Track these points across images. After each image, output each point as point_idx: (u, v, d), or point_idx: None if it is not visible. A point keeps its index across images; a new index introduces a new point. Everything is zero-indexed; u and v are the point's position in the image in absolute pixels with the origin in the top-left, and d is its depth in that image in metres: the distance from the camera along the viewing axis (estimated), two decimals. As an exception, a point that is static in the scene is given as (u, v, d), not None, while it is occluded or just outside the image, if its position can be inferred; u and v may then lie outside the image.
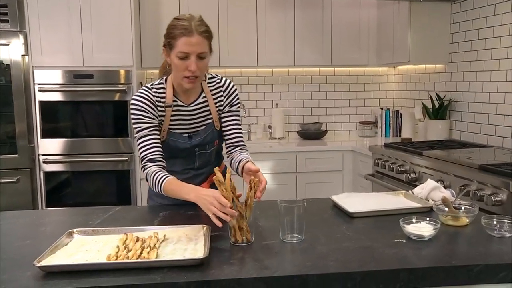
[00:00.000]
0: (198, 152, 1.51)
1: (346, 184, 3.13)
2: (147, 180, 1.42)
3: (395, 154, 2.56)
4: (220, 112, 1.53)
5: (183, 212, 1.40)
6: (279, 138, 3.53)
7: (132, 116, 1.44)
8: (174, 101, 1.48)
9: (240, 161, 1.45)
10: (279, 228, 1.15)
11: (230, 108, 1.53)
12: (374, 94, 3.71)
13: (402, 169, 2.43)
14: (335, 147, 3.18)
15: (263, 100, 3.62)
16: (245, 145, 1.55)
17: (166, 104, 1.46)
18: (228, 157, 1.57)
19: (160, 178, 1.36)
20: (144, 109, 1.43)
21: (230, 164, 1.54)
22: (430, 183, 1.42)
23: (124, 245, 1.04)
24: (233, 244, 1.11)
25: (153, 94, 1.46)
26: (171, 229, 1.16)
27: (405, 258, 1.01)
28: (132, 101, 1.44)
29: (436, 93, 2.98)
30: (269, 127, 3.55)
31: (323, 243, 1.12)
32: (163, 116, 1.47)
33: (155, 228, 1.18)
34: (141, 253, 1.00)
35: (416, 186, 1.61)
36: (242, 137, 1.54)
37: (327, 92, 3.67)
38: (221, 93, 1.52)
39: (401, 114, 3.46)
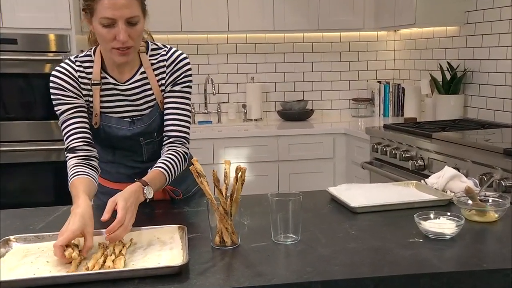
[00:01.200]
0: (145, 141, 1.48)
1: (338, 175, 3.18)
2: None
3: (398, 137, 2.59)
4: (163, 93, 1.47)
5: (149, 211, 1.38)
6: (255, 120, 3.52)
7: (51, 97, 1.40)
8: (104, 77, 1.43)
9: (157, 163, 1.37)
10: (270, 227, 1.15)
11: (172, 87, 1.45)
12: (371, 65, 3.76)
13: (407, 156, 2.47)
14: (324, 129, 3.20)
15: (235, 74, 3.59)
16: (183, 138, 1.45)
17: (92, 82, 1.41)
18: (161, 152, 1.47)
19: (70, 176, 1.31)
20: (63, 88, 1.39)
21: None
22: (448, 171, 1.44)
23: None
24: (216, 248, 1.11)
25: (77, 68, 1.41)
26: (139, 232, 1.14)
27: (425, 261, 1.02)
28: (51, 78, 1.40)
29: (448, 62, 3.03)
30: (244, 106, 3.54)
31: (324, 245, 1.12)
32: (90, 96, 1.42)
33: None
34: (104, 262, 0.97)
35: (424, 175, 1.65)
36: (181, 125, 1.44)
37: (313, 63, 3.68)
38: (164, 69, 1.45)
39: (403, 88, 3.53)
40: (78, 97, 1.40)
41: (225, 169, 1.14)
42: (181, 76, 1.46)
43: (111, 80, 1.43)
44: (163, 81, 1.45)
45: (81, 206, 1.15)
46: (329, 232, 1.21)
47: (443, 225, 1.14)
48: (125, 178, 1.49)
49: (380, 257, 1.05)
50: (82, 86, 1.41)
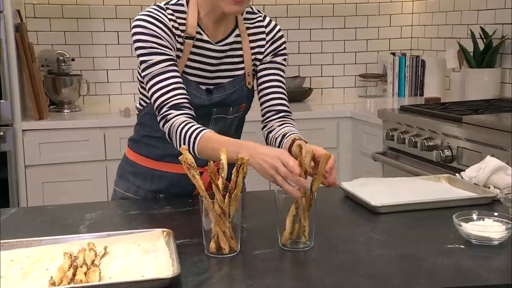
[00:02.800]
0: (216, 115, 1.52)
1: (343, 167, 3.18)
2: (169, 138, 1.41)
3: (418, 122, 2.61)
4: (258, 64, 1.56)
5: (122, 212, 1.38)
6: (240, 101, 3.52)
7: (139, 45, 1.43)
8: (198, 33, 1.48)
9: (285, 135, 1.48)
10: (277, 231, 1.17)
11: (272, 58, 1.57)
12: (383, 32, 3.77)
13: (430, 144, 2.50)
14: (325, 112, 3.20)
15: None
16: (290, 113, 1.59)
17: (186, 35, 1.46)
18: (263, 128, 1.60)
19: (193, 131, 1.36)
20: (158, 35, 1.43)
21: (266, 140, 1.57)
22: (491, 163, 1.46)
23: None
24: (212, 256, 1.12)
25: (169, 17, 1.46)
26: (115, 238, 1.14)
27: (470, 271, 1.04)
28: (137, 23, 1.44)
29: (481, 28, 3.05)
30: (225, 83, 3.52)
31: (343, 251, 1.14)
32: (180, 51, 1.47)
33: (86, 236, 1.16)
34: (74, 275, 0.97)
35: (453, 168, 1.67)
36: (286, 99, 1.58)
37: (311, 30, 3.68)
38: (263, 36, 1.55)
39: (423, 61, 3.56)
40: (172, 49, 1.45)
41: (221, 160, 1.14)
42: (282, 46, 1.59)
43: (205, 37, 1.49)
44: (261, 50, 1.56)
45: (255, 145, 1.26)
46: (347, 236, 1.23)
47: (489, 228, 1.16)
48: (170, 159, 1.51)
49: (413, 266, 1.07)
50: (177, 38, 1.46)
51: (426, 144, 2.51)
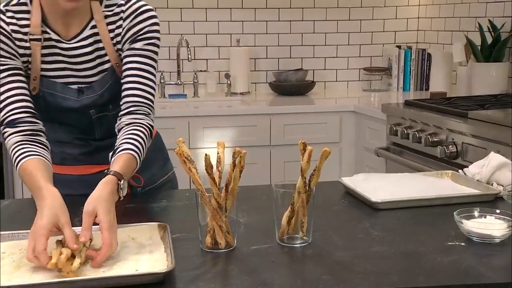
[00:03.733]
0: (97, 115, 1.46)
1: (346, 163, 3.19)
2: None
3: (423, 117, 2.61)
4: (121, 53, 1.45)
5: (119, 205, 1.37)
6: (242, 94, 3.51)
7: None
8: (45, 32, 1.40)
9: (117, 148, 1.33)
10: (275, 226, 1.17)
11: (131, 44, 1.42)
12: (388, 25, 3.76)
13: (435, 140, 2.50)
14: (327, 107, 3.20)
15: (216, 34, 3.56)
16: (144, 106, 1.41)
17: (31, 37, 1.38)
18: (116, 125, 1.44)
19: (16, 158, 1.29)
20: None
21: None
22: (494, 159, 1.46)
23: None
24: (207, 251, 1.12)
25: (8, 20, 1.38)
26: None
27: (471, 270, 1.04)
28: None
29: (489, 20, 3.04)
30: (227, 76, 3.53)
31: (341, 248, 1.14)
32: (27, 55, 1.39)
33: (79, 229, 1.16)
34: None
35: (457, 164, 1.66)
36: (140, 89, 1.40)
37: (314, 21, 3.67)
38: (121, 22, 1.42)
39: (429, 55, 3.55)
40: (14, 57, 1.38)
41: (218, 153, 1.14)
42: (144, 30, 1.42)
43: (54, 36, 1.40)
44: (118, 38, 1.43)
45: (47, 197, 1.14)
46: (346, 232, 1.23)
47: (491, 226, 1.16)
48: (71, 160, 1.49)
49: (413, 263, 1.07)
50: (17, 43, 1.38)
51: (430, 139, 2.51)
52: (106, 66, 1.44)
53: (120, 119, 1.41)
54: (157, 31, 1.46)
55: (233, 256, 1.11)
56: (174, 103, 3.41)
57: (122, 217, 1.33)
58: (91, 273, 1.00)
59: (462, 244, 1.15)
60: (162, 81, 3.46)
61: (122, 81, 1.42)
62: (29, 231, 1.13)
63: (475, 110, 2.47)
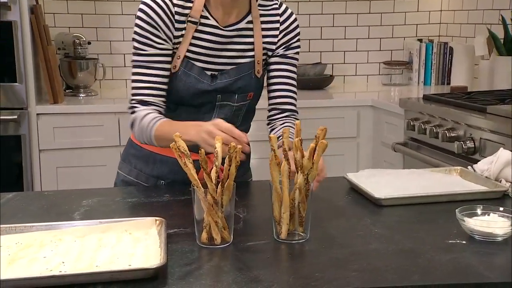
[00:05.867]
0: (221, 101, 1.52)
1: (363, 158, 3.18)
2: (131, 128, 1.48)
3: (441, 112, 2.58)
4: (270, 54, 1.55)
5: (121, 200, 1.39)
6: (259, 87, 3.52)
7: (136, 30, 1.46)
8: (205, 17, 1.48)
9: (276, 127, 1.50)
10: (272, 222, 1.16)
11: (285, 51, 1.56)
12: (410, 18, 3.72)
13: (452, 135, 2.46)
14: (346, 101, 3.18)
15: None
16: (296, 112, 1.60)
17: (190, 19, 1.46)
18: (267, 124, 1.60)
19: (151, 120, 1.42)
20: (156, 26, 1.44)
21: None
22: (503, 155, 1.44)
23: None
24: (203, 246, 1.12)
25: (175, 1, 1.46)
26: (106, 226, 1.15)
27: (469, 268, 1.03)
28: (141, 7, 1.45)
29: (512, 14, 3.00)
30: (244, 69, 3.53)
31: (339, 245, 1.14)
32: (181, 36, 1.47)
33: (78, 223, 1.17)
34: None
35: (475, 160, 1.64)
36: (294, 97, 1.59)
37: (334, 15, 3.65)
38: (277, 25, 1.54)
39: (451, 49, 3.49)
40: (168, 41, 1.47)
41: (215, 148, 1.14)
42: (295, 39, 1.58)
43: (212, 22, 1.48)
44: (273, 39, 1.54)
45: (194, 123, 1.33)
46: (346, 229, 1.23)
47: (493, 224, 1.15)
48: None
49: (409, 262, 1.06)
50: (177, 25, 1.46)
51: (447, 135, 2.48)
52: (247, 60, 1.52)
53: (274, 122, 1.58)
54: (300, 40, 1.61)
55: (228, 252, 1.11)
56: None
57: (123, 211, 1.35)
58: (83, 268, 1.01)
59: (463, 242, 1.14)
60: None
61: (273, 85, 1.57)
62: (28, 224, 1.16)
63: (494, 105, 2.43)
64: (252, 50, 1.52)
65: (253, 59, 1.52)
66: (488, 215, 1.19)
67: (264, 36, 1.53)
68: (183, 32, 1.47)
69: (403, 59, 3.71)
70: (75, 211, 1.32)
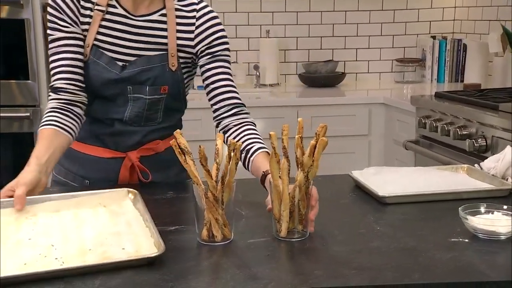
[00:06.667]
0: (133, 94, 1.49)
1: (374, 156, 3.17)
2: None
3: (453, 109, 2.56)
4: (190, 51, 1.52)
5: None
6: (271, 85, 3.52)
7: (47, 17, 1.48)
8: (112, 5, 1.48)
9: (249, 151, 1.41)
10: (271, 219, 1.16)
11: (209, 49, 1.52)
12: (423, 15, 3.69)
13: (464, 133, 2.45)
14: (357, 98, 3.17)
15: (245, 26, 3.57)
16: (242, 105, 1.53)
17: (96, 7, 1.46)
18: (217, 126, 1.55)
19: (42, 122, 1.43)
20: (59, 8, 1.45)
21: (225, 140, 1.47)
22: (509, 153, 1.42)
23: None
24: (203, 243, 1.12)
25: None
26: (80, 199, 1.18)
27: (470, 267, 1.02)
28: None
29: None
30: (256, 68, 3.53)
31: (340, 242, 1.13)
32: (87, 23, 1.47)
33: (53, 196, 1.21)
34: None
35: (486, 158, 1.61)
36: (234, 91, 1.53)
37: (346, 12, 3.63)
38: (193, 20, 1.51)
39: (465, 46, 3.46)
40: (75, 25, 1.46)
41: (216, 145, 1.14)
42: (216, 35, 1.52)
43: (120, 11, 1.48)
44: (189, 35, 1.51)
45: (25, 169, 1.29)
46: (348, 227, 1.22)
47: (496, 222, 1.13)
48: (94, 139, 1.54)
49: (410, 260, 1.05)
50: (82, 11, 1.46)
51: (459, 132, 2.46)
52: (159, 52, 1.49)
53: (222, 120, 1.51)
54: (226, 36, 1.55)
55: (228, 249, 1.11)
56: (202, 94, 3.41)
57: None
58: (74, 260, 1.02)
59: (466, 240, 1.13)
60: (191, 72, 3.48)
61: (212, 84, 1.51)
62: None
63: (506, 103, 2.40)
64: (165, 43, 1.49)
65: (166, 52, 1.49)
66: (492, 213, 1.17)
67: (179, 31, 1.50)
68: (90, 19, 1.46)
69: (416, 56, 3.69)
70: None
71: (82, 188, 1.52)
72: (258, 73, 3.51)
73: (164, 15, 1.49)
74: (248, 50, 3.60)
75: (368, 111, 3.14)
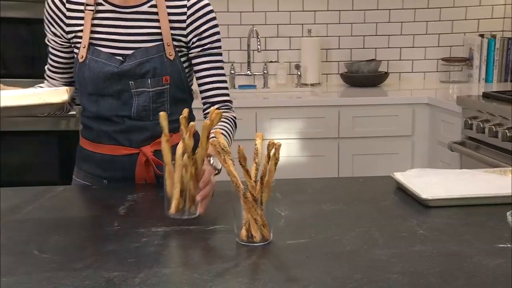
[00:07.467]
0: (136, 89, 1.51)
1: (418, 157, 3.11)
2: None
3: (501, 110, 2.50)
4: (184, 40, 1.53)
5: (157, 197, 1.41)
6: (312, 85, 3.50)
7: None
8: (99, 3, 1.50)
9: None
10: (316, 220, 1.17)
11: (200, 41, 1.53)
12: (471, 12, 3.60)
13: (512, 134, 2.39)
14: (401, 99, 3.13)
15: (287, 24, 3.56)
16: (226, 101, 1.56)
17: (86, 7, 1.50)
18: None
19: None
20: (46, 18, 1.56)
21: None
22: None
23: None
24: (242, 244, 1.12)
25: None
26: (22, 95, 1.37)
27: (518, 274, 0.99)
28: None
29: None
30: (297, 67, 3.52)
31: (381, 246, 1.12)
32: (80, 25, 1.50)
33: None
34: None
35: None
36: (222, 87, 1.56)
37: (390, 10, 3.58)
38: (184, 9, 1.51)
39: (514, 44, 3.37)
40: (58, 35, 1.55)
41: (255, 145, 1.13)
42: (207, 26, 1.53)
43: (108, 7, 1.50)
44: (181, 25, 1.51)
45: None
46: (390, 230, 1.20)
47: (547, 227, 1.09)
48: (106, 138, 1.56)
49: (454, 265, 1.03)
50: (69, 21, 1.51)
51: (508, 134, 2.40)
52: (155, 44, 1.50)
53: (206, 116, 1.52)
54: (218, 26, 1.56)
55: (267, 250, 1.10)
56: (244, 94, 3.44)
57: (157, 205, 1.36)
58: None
59: (514, 246, 1.09)
60: (232, 72, 3.49)
61: (200, 79, 1.55)
62: None
63: (557, 103, 2.33)
64: (159, 33, 1.50)
65: (161, 42, 1.50)
66: (542, 218, 1.13)
67: (171, 21, 1.50)
68: (81, 20, 1.50)
69: (463, 55, 3.60)
70: (120, 205, 1.35)
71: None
72: (299, 73, 3.50)
73: (154, 5, 1.50)
74: (290, 49, 3.58)
75: (412, 111, 3.08)
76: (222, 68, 1.57)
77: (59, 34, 1.54)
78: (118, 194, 1.43)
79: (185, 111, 1.25)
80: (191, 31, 1.52)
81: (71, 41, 1.54)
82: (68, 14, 1.51)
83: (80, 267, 1.02)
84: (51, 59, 1.59)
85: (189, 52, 1.54)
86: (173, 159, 1.23)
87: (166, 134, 1.26)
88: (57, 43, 1.56)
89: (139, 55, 1.49)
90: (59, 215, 1.30)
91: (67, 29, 1.52)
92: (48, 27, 1.55)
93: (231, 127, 1.52)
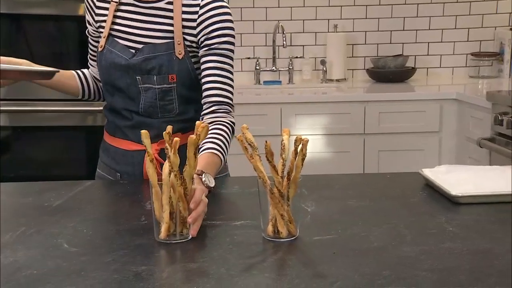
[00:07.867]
0: (143, 84, 1.52)
1: (445, 154, 3.09)
2: None
3: (531, 106, 2.47)
4: (194, 40, 1.52)
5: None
6: (337, 81, 3.49)
7: None
8: None
9: (200, 147, 1.41)
10: (342, 216, 1.16)
11: (207, 40, 1.51)
12: (502, 6, 3.55)
13: (543, 130, 2.36)
14: (429, 94, 3.10)
15: (313, 20, 3.55)
16: (223, 103, 1.51)
17: None
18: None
19: None
20: (85, 6, 1.63)
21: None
22: None
23: None
24: (269, 239, 1.12)
25: None
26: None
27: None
28: None
29: None
30: (322, 63, 3.51)
31: (410, 242, 1.10)
32: (105, 14, 1.56)
33: None
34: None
35: None
36: (221, 88, 1.51)
37: (418, 4, 3.55)
38: (197, 8, 1.51)
39: (544, 39, 3.32)
40: (91, 22, 1.61)
41: (282, 141, 1.13)
42: (216, 26, 1.51)
43: (130, 1, 1.54)
44: (192, 24, 1.51)
45: None
46: (418, 226, 1.19)
47: None
48: (119, 132, 1.58)
49: (485, 263, 1.01)
50: (98, 11, 1.57)
51: (538, 130, 2.36)
52: (166, 40, 1.51)
53: (203, 118, 1.51)
54: (232, 28, 1.53)
55: (293, 246, 1.10)
56: (269, 90, 3.44)
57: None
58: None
59: (547, 244, 1.07)
60: (257, 67, 3.50)
61: (202, 80, 1.52)
62: None
63: None
64: (171, 31, 1.51)
65: (172, 40, 1.51)
66: None
67: (184, 20, 1.51)
68: (106, 11, 1.55)
69: (493, 50, 3.55)
70: (147, 200, 1.36)
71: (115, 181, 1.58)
72: (324, 68, 3.49)
73: (170, 3, 1.51)
74: (315, 45, 3.58)
75: (440, 107, 3.05)
76: (227, 70, 1.53)
77: (91, 22, 1.61)
78: (145, 189, 1.44)
79: (169, 128, 1.14)
80: (201, 31, 1.51)
81: (98, 30, 1.58)
82: (98, 4, 1.57)
83: (109, 260, 1.03)
84: (89, 47, 1.66)
85: (199, 50, 1.54)
86: (160, 180, 1.12)
87: (149, 153, 1.13)
88: (91, 31, 1.62)
89: (146, 51, 1.51)
90: (87, 209, 1.31)
91: (96, 18, 1.58)
92: (86, 14, 1.62)
93: (227, 135, 1.48)
